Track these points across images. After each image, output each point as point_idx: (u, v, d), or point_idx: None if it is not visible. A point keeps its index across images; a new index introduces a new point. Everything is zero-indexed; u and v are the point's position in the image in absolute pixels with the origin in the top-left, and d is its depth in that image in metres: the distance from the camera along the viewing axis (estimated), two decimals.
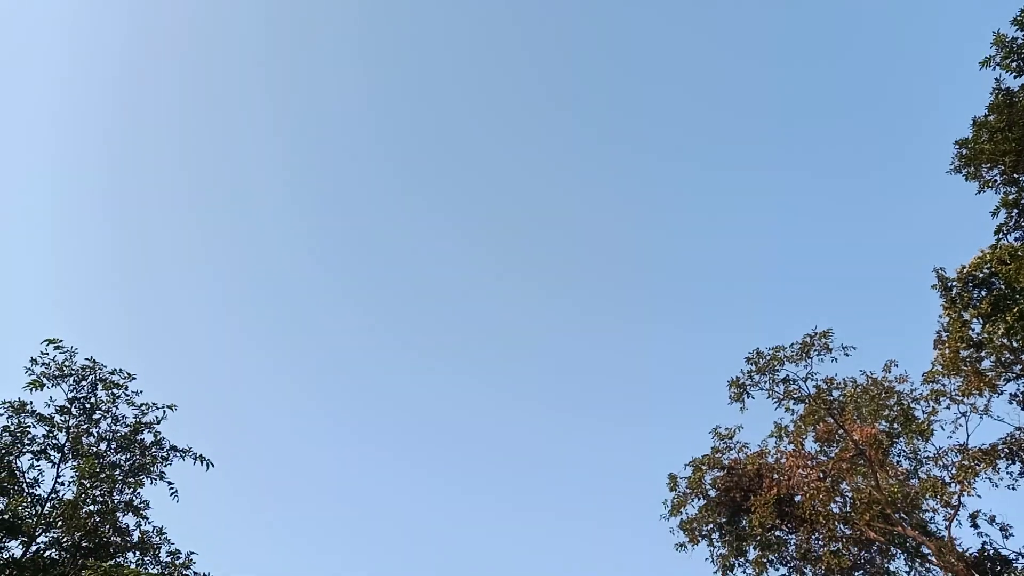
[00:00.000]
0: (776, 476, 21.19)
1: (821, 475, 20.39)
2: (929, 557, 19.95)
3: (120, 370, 16.42)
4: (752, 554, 22.37)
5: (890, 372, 20.65)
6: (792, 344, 19.80)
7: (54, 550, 15.57)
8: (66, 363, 15.90)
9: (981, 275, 18.35)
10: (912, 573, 21.10)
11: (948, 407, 19.41)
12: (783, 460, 21.54)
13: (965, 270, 18.61)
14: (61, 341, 15.71)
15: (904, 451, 21.03)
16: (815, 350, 19.55)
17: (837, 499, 20.44)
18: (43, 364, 15.74)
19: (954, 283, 18.69)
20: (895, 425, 20.45)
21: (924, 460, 20.60)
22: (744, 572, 22.50)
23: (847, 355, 19.41)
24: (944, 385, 19.32)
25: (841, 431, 20.22)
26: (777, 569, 22.68)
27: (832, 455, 20.97)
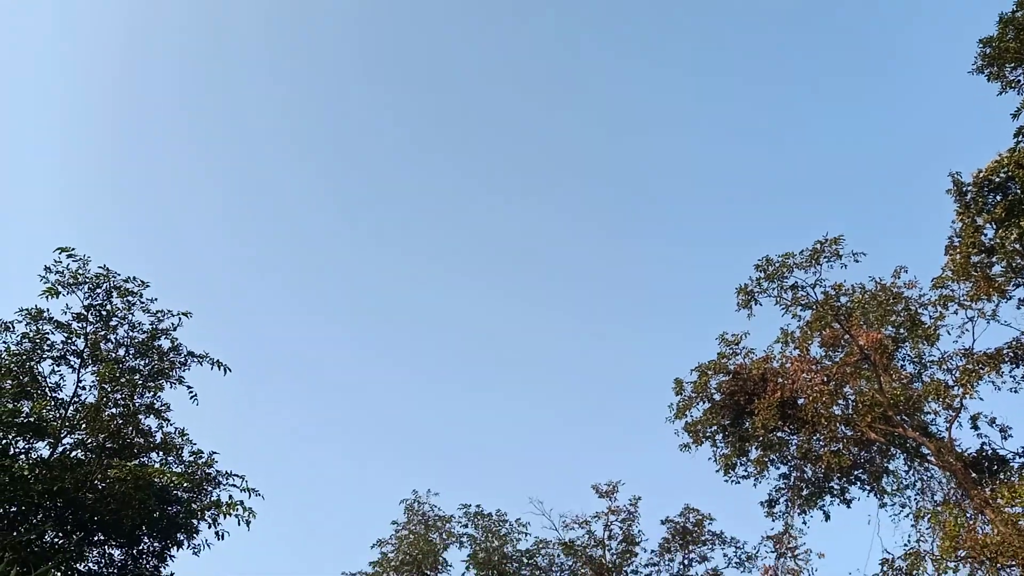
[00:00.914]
0: (780, 380, 21.55)
1: (825, 379, 20.73)
2: (928, 457, 20.50)
3: (133, 278, 16.55)
4: (754, 454, 23.04)
5: (899, 278, 20.69)
6: (802, 251, 19.76)
7: (80, 451, 16.13)
8: (79, 271, 16.00)
9: (997, 179, 18.09)
10: (911, 472, 21.79)
11: (955, 312, 19.55)
12: (788, 365, 21.87)
13: (981, 174, 18.34)
14: (74, 249, 15.77)
15: (909, 356, 21.30)
16: (825, 257, 19.52)
17: (840, 402, 20.85)
18: (57, 272, 15.84)
19: (969, 187, 18.46)
20: (901, 330, 20.64)
21: (928, 364, 20.90)
22: (745, 471, 23.25)
23: (857, 261, 19.41)
24: (953, 290, 19.37)
25: (847, 336, 20.42)
26: (777, 468, 23.42)
27: (837, 360, 21.26)
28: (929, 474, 21.24)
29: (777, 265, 19.93)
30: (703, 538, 26.70)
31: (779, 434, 22.39)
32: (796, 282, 20.18)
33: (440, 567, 31.49)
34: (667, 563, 26.94)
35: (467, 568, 31.38)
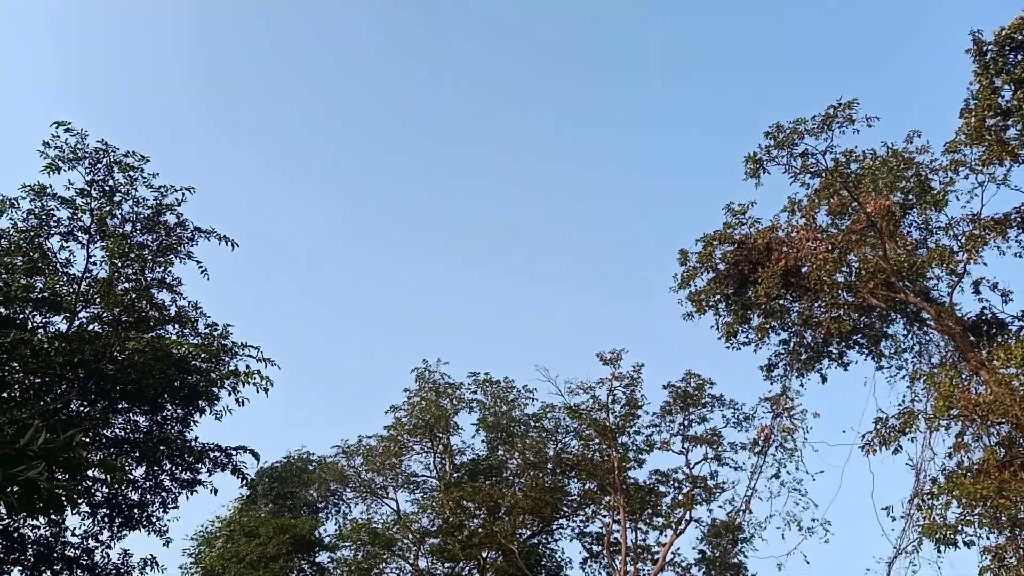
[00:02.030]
0: (785, 249, 21.61)
1: (830, 247, 20.77)
2: (928, 322, 20.87)
3: (133, 152, 16.30)
4: (755, 322, 23.46)
5: (912, 143, 20.28)
6: (814, 116, 19.26)
7: (96, 324, 16.48)
8: (78, 146, 15.73)
9: (1020, 37, 17.37)
10: (909, 336, 22.27)
11: (966, 177, 19.29)
12: (793, 234, 21.87)
13: (1003, 32, 17.59)
14: (70, 124, 15.45)
15: (916, 222, 21.23)
16: (837, 122, 19.04)
17: (843, 269, 20.98)
18: (56, 148, 15.59)
19: (990, 47, 17.75)
20: (910, 196, 20.47)
21: (935, 230, 20.87)
22: (746, 338, 23.76)
23: (870, 126, 18.95)
24: (965, 155, 19.03)
25: (855, 204, 20.28)
26: (778, 334, 23.92)
27: (843, 228, 21.22)
28: (928, 338, 21.71)
29: (788, 132, 19.49)
30: (703, 401, 27.73)
31: (781, 302, 22.70)
32: (807, 149, 19.82)
33: (451, 430, 32.96)
34: (668, 424, 28.13)
35: (477, 431, 32.85)
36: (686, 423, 27.83)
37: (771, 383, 24.32)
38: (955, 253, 19.60)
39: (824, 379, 23.44)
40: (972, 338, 19.41)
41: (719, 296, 23.15)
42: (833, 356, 23.18)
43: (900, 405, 20.03)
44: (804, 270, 21.28)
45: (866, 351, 22.86)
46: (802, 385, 23.87)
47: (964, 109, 18.54)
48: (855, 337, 22.49)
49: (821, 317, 21.31)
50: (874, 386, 23.17)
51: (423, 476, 33.53)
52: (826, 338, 21.97)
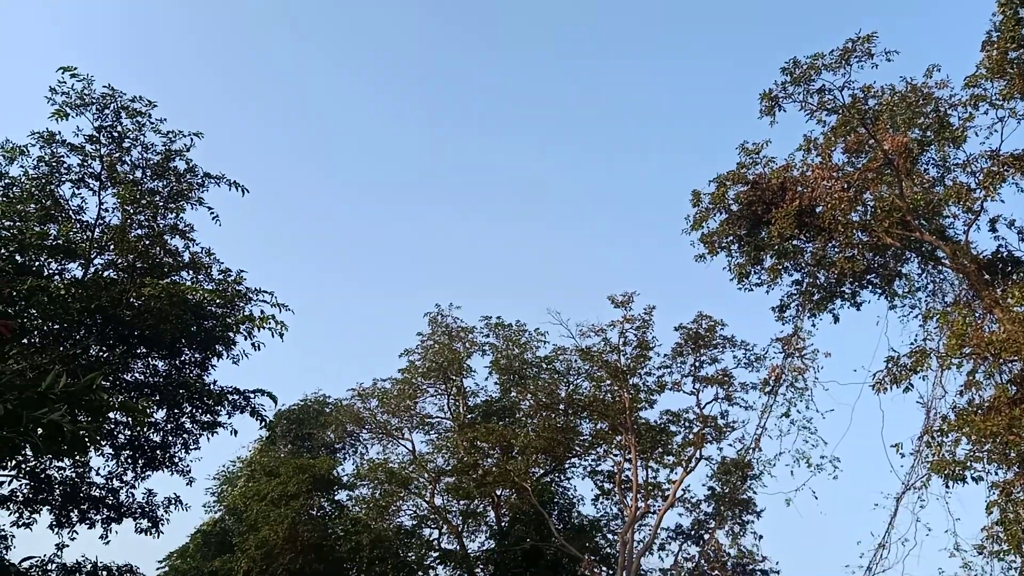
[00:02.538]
0: (800, 189, 21.33)
1: (845, 186, 20.48)
2: (943, 260, 20.68)
3: (140, 97, 16.18)
4: (768, 262, 23.34)
5: (931, 77, 19.75)
6: (832, 51, 18.75)
7: (111, 271, 16.63)
8: (85, 92, 15.63)
9: None
10: (923, 275, 22.11)
11: (986, 112, 18.82)
12: (808, 173, 21.54)
13: None
14: (76, 69, 15.32)
15: (933, 159, 20.85)
16: (856, 57, 18.54)
17: (858, 208, 20.72)
18: (63, 94, 15.50)
19: None
20: (928, 133, 20.04)
21: (952, 168, 20.49)
22: (759, 279, 23.68)
23: (889, 60, 18.44)
24: (985, 89, 18.54)
25: (872, 141, 19.90)
26: (791, 275, 23.81)
27: (859, 166, 20.88)
28: (942, 277, 21.54)
29: (805, 67, 19.01)
30: (714, 342, 27.81)
31: (794, 242, 22.53)
32: (824, 85, 19.36)
33: (464, 373, 33.36)
34: (679, 365, 28.29)
35: (490, 373, 33.24)
36: (697, 364, 27.98)
37: (783, 324, 24.33)
38: (972, 190, 19.27)
39: (836, 319, 23.41)
40: (987, 276, 19.24)
41: (732, 237, 22.98)
42: (846, 296, 23.09)
43: (912, 344, 20.01)
44: (819, 210, 21.04)
45: (879, 291, 22.75)
46: (814, 325, 23.88)
47: (986, 42, 18.00)
48: (868, 277, 22.35)
49: (835, 257, 21.15)
50: (886, 325, 23.12)
51: (437, 417, 34.11)
52: (839, 278, 21.84)
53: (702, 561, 26.74)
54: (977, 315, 18.34)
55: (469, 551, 31.44)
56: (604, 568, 29.35)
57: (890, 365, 18.98)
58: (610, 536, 30.49)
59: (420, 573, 31.12)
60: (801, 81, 19.36)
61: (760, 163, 22.50)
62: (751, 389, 27.02)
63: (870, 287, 22.85)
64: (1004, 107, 18.48)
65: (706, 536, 27.45)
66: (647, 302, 28.46)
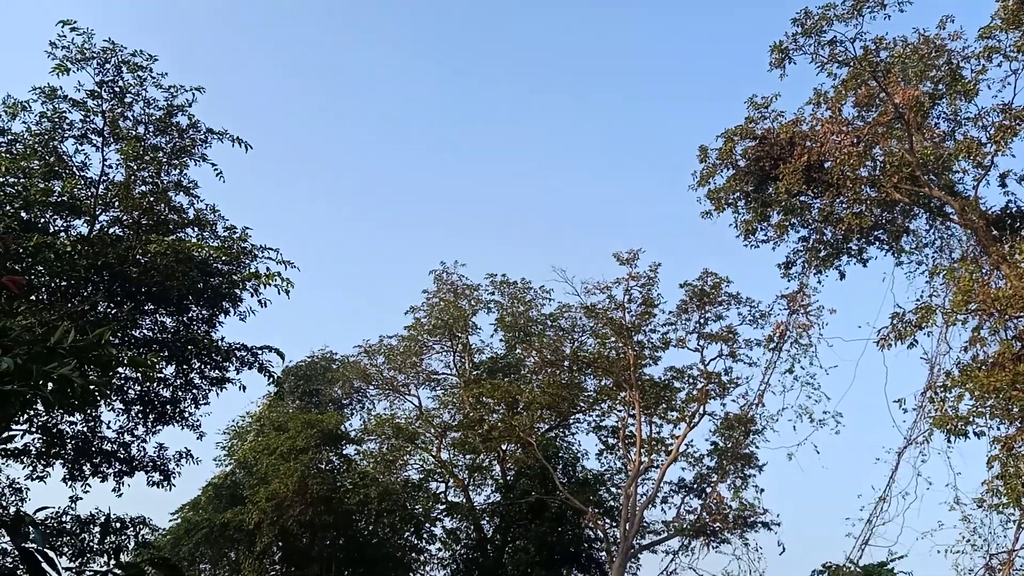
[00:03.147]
0: (808, 143, 21.09)
1: (855, 140, 20.23)
2: (951, 216, 20.54)
3: (140, 51, 15.96)
4: (775, 219, 23.22)
5: (944, 29, 19.35)
6: (844, 1, 18.35)
7: (117, 228, 16.63)
8: (85, 46, 15.43)
9: None
10: (931, 231, 21.99)
11: (999, 64, 18.48)
12: (818, 127, 21.27)
13: None
14: (75, 22, 15.09)
15: (944, 113, 20.54)
16: (868, 7, 18.15)
17: (867, 163, 20.50)
18: (63, 48, 15.30)
19: None
20: (940, 86, 19.71)
21: (963, 122, 20.20)
22: (765, 235, 23.58)
23: (902, 11, 18.08)
24: (1000, 41, 18.17)
25: (883, 94, 19.60)
26: (797, 232, 23.71)
27: (869, 120, 20.60)
28: (950, 232, 21.42)
29: (816, 18, 18.64)
30: (719, 299, 27.84)
31: (802, 198, 22.37)
32: (835, 36, 18.99)
33: (470, 330, 33.54)
34: (684, 322, 28.38)
35: (495, 331, 33.41)
36: (702, 321, 28.06)
37: (788, 280, 24.32)
38: (983, 145, 19.03)
39: (842, 275, 23.37)
40: (995, 232, 19.13)
41: (738, 193, 22.83)
42: (853, 252, 23.01)
43: (918, 300, 20.01)
44: (827, 165, 20.84)
45: (886, 247, 22.66)
46: (819, 282, 23.86)
47: None
48: (876, 233, 22.24)
49: (842, 213, 21.01)
50: (892, 282, 23.04)
51: (443, 374, 34.41)
52: (846, 234, 21.75)
53: (704, 514, 27.18)
54: (984, 271, 18.28)
55: (475, 504, 32.01)
56: (608, 520, 29.87)
57: (895, 321, 19.02)
58: (614, 490, 30.97)
59: (427, 525, 31.73)
60: (812, 32, 19.00)
61: (769, 117, 22.22)
62: (755, 346, 27.15)
63: (877, 243, 22.75)
64: (1018, 59, 18.15)
65: (708, 489, 27.85)
66: (653, 259, 28.43)
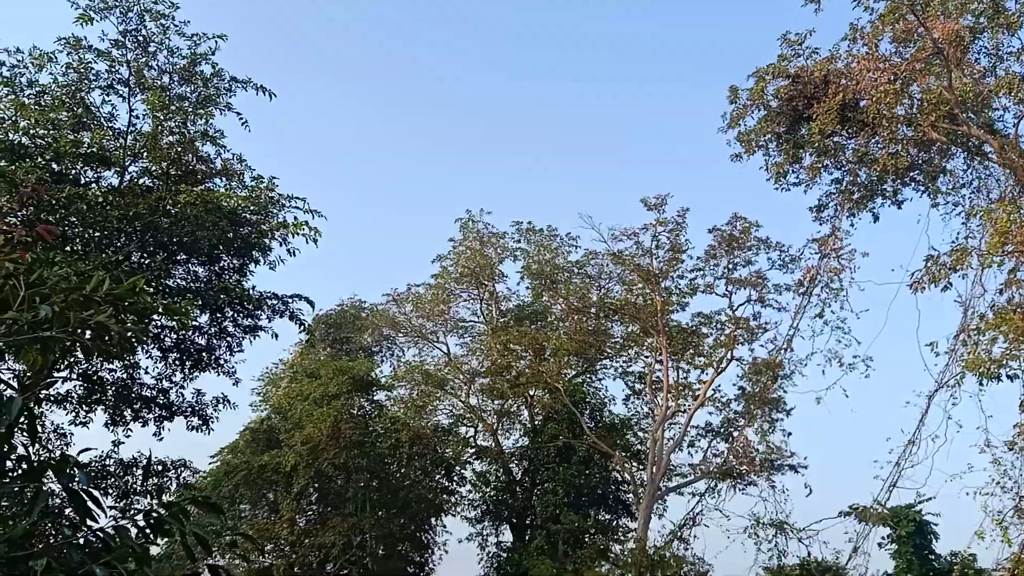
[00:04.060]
0: (843, 82, 20.45)
1: (892, 78, 19.57)
2: (990, 155, 19.93)
3: None
4: (807, 161, 22.68)
5: None
6: None
7: (146, 178, 16.80)
8: None
9: None
10: (969, 171, 21.37)
11: None
12: (853, 64, 20.58)
13: None
14: None
15: (985, 48, 19.73)
16: None
17: (904, 101, 19.86)
18: None
19: None
20: (981, 19, 18.92)
21: (1005, 57, 19.42)
22: (797, 178, 23.10)
23: None
24: None
25: (921, 29, 18.86)
26: (830, 173, 23.18)
27: (907, 57, 19.88)
28: (988, 173, 20.80)
29: None
30: (748, 244, 27.52)
31: (836, 139, 21.80)
32: None
33: (497, 278, 33.64)
34: (712, 268, 28.15)
35: (521, 278, 33.47)
36: (730, 266, 27.81)
37: (820, 224, 23.91)
38: None
39: (876, 218, 22.91)
40: None
41: (770, 135, 22.30)
42: (887, 194, 22.49)
43: (953, 242, 19.58)
44: (863, 104, 20.22)
45: (922, 188, 22.10)
46: (852, 225, 23.43)
47: None
48: (912, 174, 21.67)
49: (878, 153, 20.47)
50: (927, 224, 22.68)
51: (471, 321, 34.68)
52: (881, 175, 21.22)
53: (731, 457, 27.40)
54: (1022, 212, 17.78)
55: (504, 448, 32.57)
56: (635, 464, 30.27)
57: (929, 264, 18.67)
58: (641, 434, 31.27)
59: (457, 468, 32.41)
60: None
61: (803, 55, 21.53)
62: (785, 291, 26.91)
63: (912, 184, 22.20)
64: None
65: (735, 434, 28.00)
66: (680, 204, 28.10)
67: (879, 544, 24.43)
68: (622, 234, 28.09)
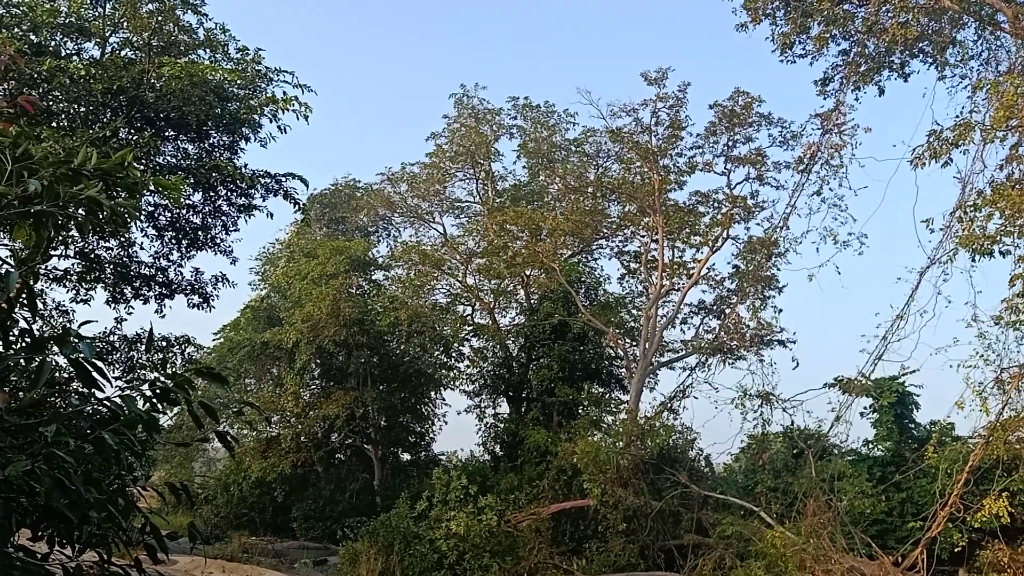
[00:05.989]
0: None
1: None
2: (1003, 24, 19.17)
3: None
4: (815, 30, 21.85)
5: None
6: None
7: (128, 50, 16.19)
8: None
9: None
10: (980, 42, 20.63)
11: None
12: None
13: None
14: None
15: None
16: None
17: None
18: None
19: None
20: None
21: None
22: (803, 49, 22.33)
23: None
24: None
25: None
26: (838, 44, 22.35)
27: None
28: (999, 43, 20.06)
29: None
30: (750, 120, 26.93)
31: (845, 7, 20.92)
32: None
33: (492, 157, 33.13)
34: (711, 145, 27.67)
35: (518, 157, 32.97)
36: (730, 143, 27.33)
37: (824, 98, 23.30)
38: None
39: (881, 91, 22.28)
40: None
41: (777, 3, 21.38)
42: (894, 67, 21.80)
43: (958, 117, 19.14)
44: None
45: (930, 60, 21.40)
46: (857, 99, 22.82)
47: None
48: (921, 44, 20.93)
49: (887, 23, 19.69)
50: (933, 97, 21.99)
51: (467, 201, 34.45)
52: (889, 46, 20.49)
53: (722, 333, 27.98)
54: None
55: (501, 325, 33.19)
56: (628, 340, 30.95)
57: (931, 139, 18.35)
58: (634, 312, 31.78)
59: (455, 345, 33.17)
60: None
61: None
62: (784, 168, 26.59)
63: (921, 56, 21.48)
64: None
65: (727, 311, 28.47)
66: (682, 78, 27.25)
67: (860, 413, 25.25)
68: (621, 110, 27.39)
